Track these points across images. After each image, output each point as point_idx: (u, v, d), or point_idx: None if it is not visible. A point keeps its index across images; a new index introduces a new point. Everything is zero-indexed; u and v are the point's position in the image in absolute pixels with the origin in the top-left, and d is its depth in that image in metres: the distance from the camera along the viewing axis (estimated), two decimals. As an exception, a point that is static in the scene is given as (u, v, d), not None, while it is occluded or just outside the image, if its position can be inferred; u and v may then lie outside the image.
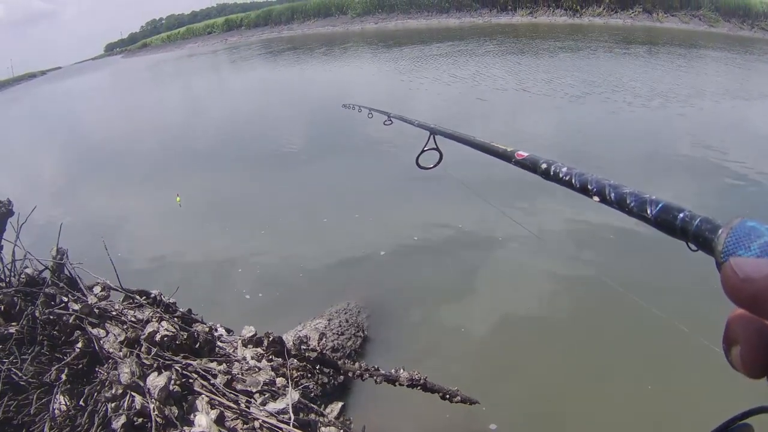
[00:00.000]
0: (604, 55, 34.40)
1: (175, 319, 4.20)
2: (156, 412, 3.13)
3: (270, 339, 4.23)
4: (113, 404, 3.20)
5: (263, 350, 4.22)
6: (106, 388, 3.29)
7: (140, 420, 3.16)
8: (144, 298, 4.39)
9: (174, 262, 10.78)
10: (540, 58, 33.92)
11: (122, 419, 3.13)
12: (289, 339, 4.56)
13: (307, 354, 4.40)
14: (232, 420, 3.32)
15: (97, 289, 4.28)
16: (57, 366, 3.38)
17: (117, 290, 4.37)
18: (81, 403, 3.26)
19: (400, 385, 4.67)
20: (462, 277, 9.31)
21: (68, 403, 3.24)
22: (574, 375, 6.88)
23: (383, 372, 4.64)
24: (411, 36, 55.22)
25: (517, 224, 10.48)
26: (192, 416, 3.26)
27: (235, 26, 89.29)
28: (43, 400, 3.25)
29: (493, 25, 58.29)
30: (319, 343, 4.70)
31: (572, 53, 35.37)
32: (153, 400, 3.17)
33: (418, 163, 2.90)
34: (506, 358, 7.36)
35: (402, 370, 4.67)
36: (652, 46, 38.04)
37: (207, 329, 4.14)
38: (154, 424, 3.11)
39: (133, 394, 3.22)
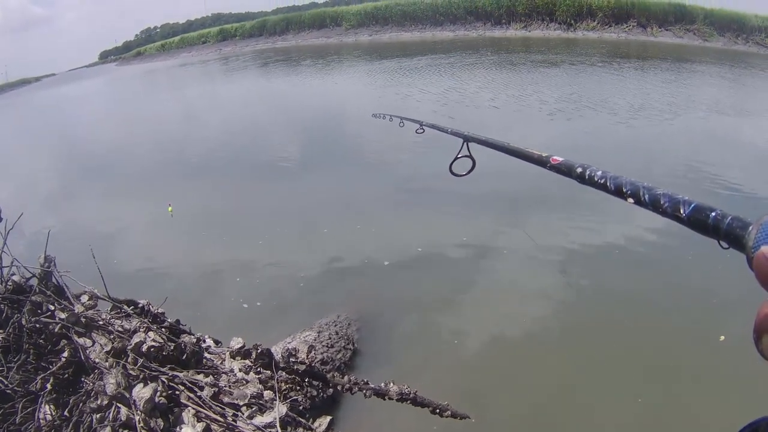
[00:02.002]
0: (588, 69, 34.33)
1: (163, 329, 4.17)
2: (141, 424, 3.09)
3: (258, 351, 4.19)
4: (98, 415, 3.17)
5: (251, 362, 4.18)
6: (92, 399, 3.26)
7: (125, 432, 3.12)
8: (132, 307, 4.35)
9: (171, 272, 10.72)
10: (519, 73, 33.88)
11: (107, 430, 3.09)
12: (277, 351, 4.53)
13: (295, 367, 4.36)
14: (218, 433, 3.29)
15: (84, 298, 4.24)
16: (42, 375, 3.35)
17: (104, 299, 4.33)
18: (66, 413, 3.22)
19: (389, 399, 4.63)
20: (456, 291, 9.29)
21: (54, 413, 3.20)
22: (567, 390, 6.86)
23: (373, 386, 4.60)
24: (398, 49, 55.35)
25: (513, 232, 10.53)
26: (178, 429, 3.22)
27: (230, 36, 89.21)
28: (29, 409, 3.21)
29: (486, 38, 58.49)
30: (308, 356, 4.64)
31: (554, 67, 35.37)
32: (138, 411, 3.13)
33: (451, 171, 2.89)
34: (499, 372, 7.33)
35: (392, 384, 4.64)
36: (639, 61, 38.04)
37: (194, 340, 4.10)
38: (139, 437, 3.07)
39: (118, 405, 3.18)
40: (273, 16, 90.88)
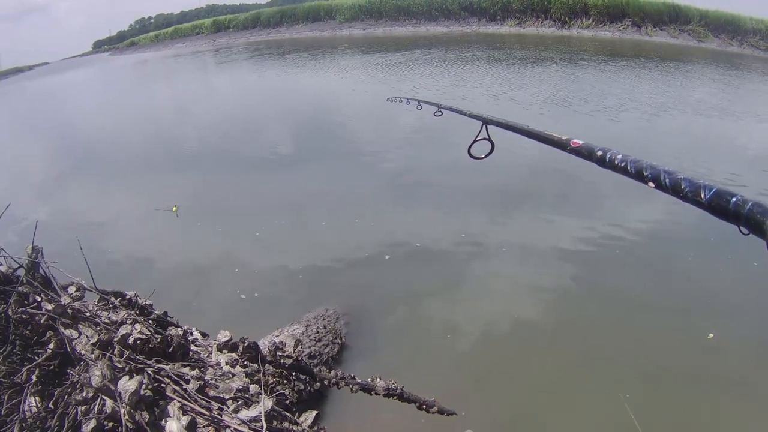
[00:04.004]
0: (569, 67, 34.12)
1: (150, 321, 4.16)
2: (126, 417, 3.09)
3: (245, 344, 4.19)
4: (84, 407, 3.16)
5: (238, 356, 4.18)
6: (77, 391, 3.25)
7: (111, 424, 3.11)
8: (119, 299, 4.34)
9: (165, 263, 10.69)
10: (499, 69, 33.71)
11: (92, 423, 3.09)
12: (265, 345, 4.52)
13: (282, 360, 4.37)
14: (203, 427, 3.28)
15: (71, 289, 4.23)
16: (28, 366, 3.34)
17: (91, 291, 4.32)
18: (51, 405, 3.22)
19: (376, 394, 4.63)
20: (450, 287, 9.29)
21: (39, 405, 3.20)
22: (557, 387, 6.89)
23: (359, 381, 4.60)
24: (383, 44, 55.52)
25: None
26: (163, 422, 3.22)
27: (223, 28, 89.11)
28: (14, 401, 3.20)
29: (480, 34, 58.59)
30: (294, 350, 4.63)
31: (536, 65, 35.27)
32: (124, 404, 3.13)
33: (470, 153, 2.92)
34: (488, 369, 7.35)
35: (378, 379, 4.64)
36: (625, 60, 37.75)
37: (181, 333, 4.10)
38: (124, 429, 3.06)
39: (104, 397, 3.18)
40: (267, 8, 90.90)
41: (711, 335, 7.47)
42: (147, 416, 3.18)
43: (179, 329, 4.34)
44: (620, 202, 12.07)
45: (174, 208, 12.80)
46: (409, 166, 15.77)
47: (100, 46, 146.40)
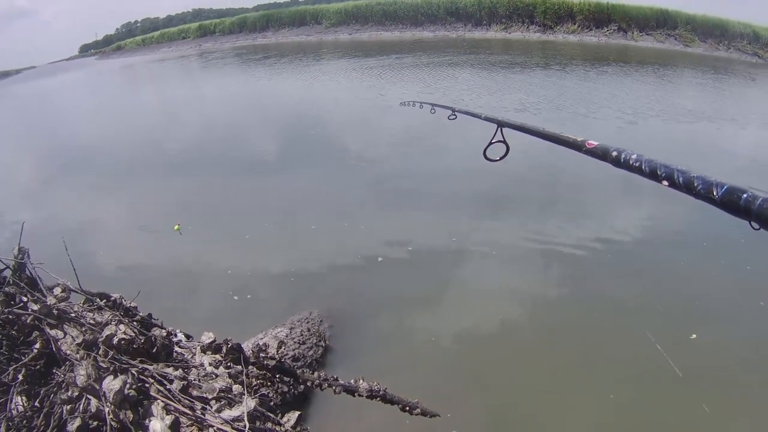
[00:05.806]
0: (542, 73, 34.18)
1: (134, 323, 4.20)
2: (111, 416, 3.12)
3: (228, 346, 4.23)
4: (69, 406, 3.19)
5: (221, 357, 4.21)
6: (63, 390, 3.28)
7: (95, 423, 3.15)
8: (104, 301, 4.37)
9: (152, 266, 10.65)
10: (472, 75, 33.73)
11: (77, 422, 3.12)
12: (248, 346, 4.56)
13: (265, 362, 4.40)
14: (187, 426, 3.32)
15: (57, 290, 4.26)
16: (15, 366, 3.37)
17: (77, 292, 4.35)
18: (37, 404, 3.25)
19: (359, 395, 4.66)
20: (436, 291, 9.29)
21: (25, 404, 3.23)
22: (541, 389, 6.93)
23: (342, 382, 4.64)
24: (361, 49, 55.37)
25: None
26: (147, 421, 3.26)
27: (209, 32, 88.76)
28: (1, 400, 3.24)
29: (466, 39, 58.60)
30: (278, 352, 4.67)
31: (507, 70, 35.27)
32: (108, 403, 3.16)
33: (485, 156, 2.94)
34: (472, 371, 7.38)
35: (361, 381, 4.68)
36: (599, 65, 37.66)
37: (165, 334, 4.13)
38: (109, 428, 3.10)
39: (89, 396, 3.21)
40: (253, 12, 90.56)
41: (694, 336, 7.54)
42: (131, 415, 3.21)
43: (163, 330, 4.37)
44: (612, 207, 12.11)
45: (176, 227, 12.32)
46: (401, 169, 15.78)
47: (86, 50, 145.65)
